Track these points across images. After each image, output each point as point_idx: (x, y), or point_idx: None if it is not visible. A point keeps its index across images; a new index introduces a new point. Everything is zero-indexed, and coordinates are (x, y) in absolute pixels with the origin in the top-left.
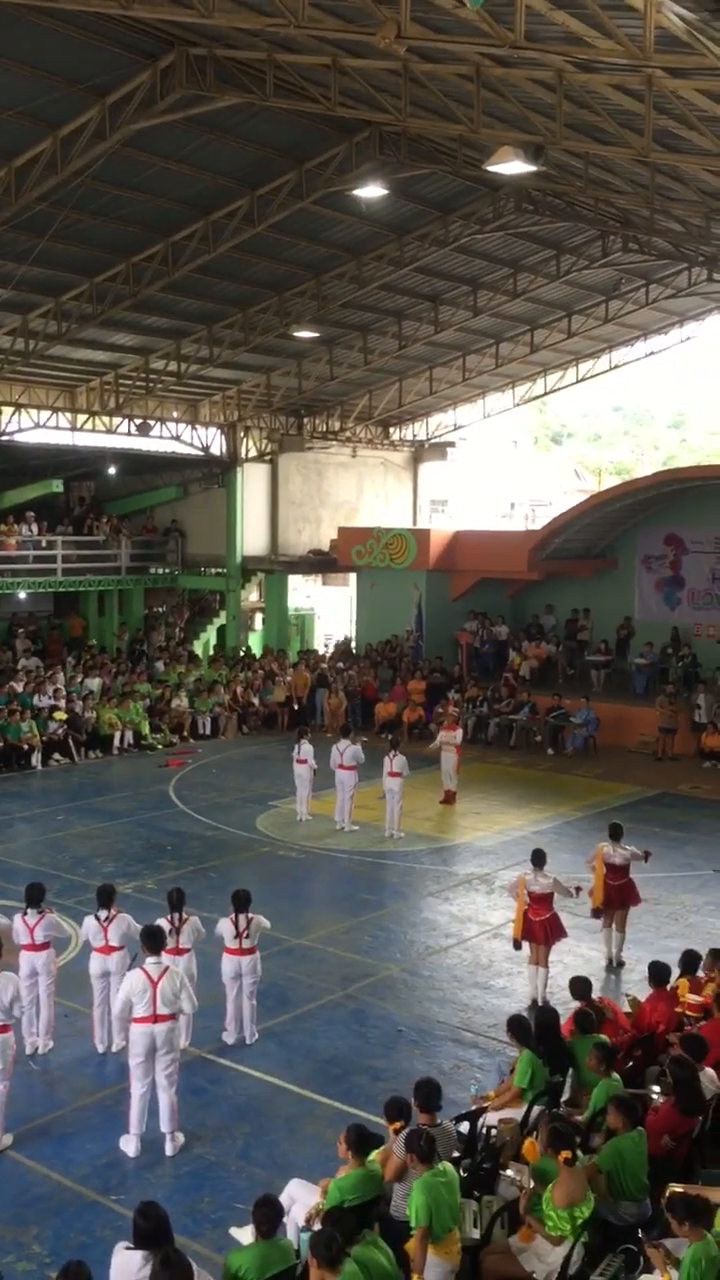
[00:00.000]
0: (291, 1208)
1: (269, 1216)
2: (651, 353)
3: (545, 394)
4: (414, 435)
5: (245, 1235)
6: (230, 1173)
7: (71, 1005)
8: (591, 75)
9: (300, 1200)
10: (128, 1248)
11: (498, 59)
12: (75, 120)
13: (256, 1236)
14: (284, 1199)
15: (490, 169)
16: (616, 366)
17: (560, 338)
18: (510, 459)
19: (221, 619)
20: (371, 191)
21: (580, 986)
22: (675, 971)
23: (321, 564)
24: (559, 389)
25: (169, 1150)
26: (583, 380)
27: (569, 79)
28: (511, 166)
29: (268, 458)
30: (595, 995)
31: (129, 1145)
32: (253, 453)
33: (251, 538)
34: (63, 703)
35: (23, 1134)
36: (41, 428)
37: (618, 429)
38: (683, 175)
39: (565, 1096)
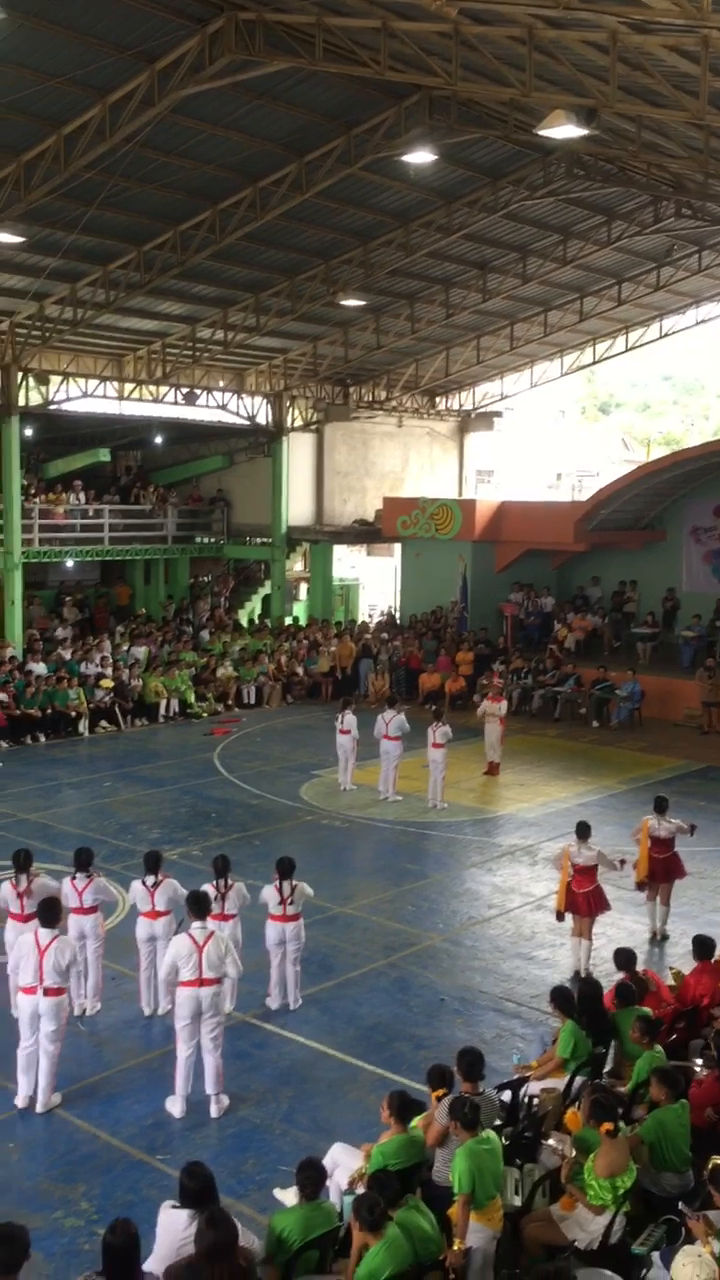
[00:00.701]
0: (334, 1171)
1: (312, 1179)
2: (702, 321)
3: (594, 363)
4: (460, 405)
5: (289, 1197)
6: (274, 1135)
7: (118, 968)
8: (646, 36)
9: (343, 1164)
10: (174, 1206)
11: (550, 20)
12: (124, 87)
13: (300, 1199)
14: (327, 1162)
15: (541, 133)
16: (667, 335)
17: (610, 305)
18: (557, 429)
19: (266, 589)
20: (420, 157)
21: (624, 958)
22: None
23: (366, 534)
24: (608, 358)
25: (214, 1112)
26: (632, 349)
27: (622, 40)
28: (563, 130)
29: (313, 427)
30: (639, 968)
31: (175, 1106)
32: (298, 422)
33: (297, 507)
34: (110, 671)
35: (71, 1094)
36: (89, 397)
37: (667, 398)
38: None
39: (608, 1068)
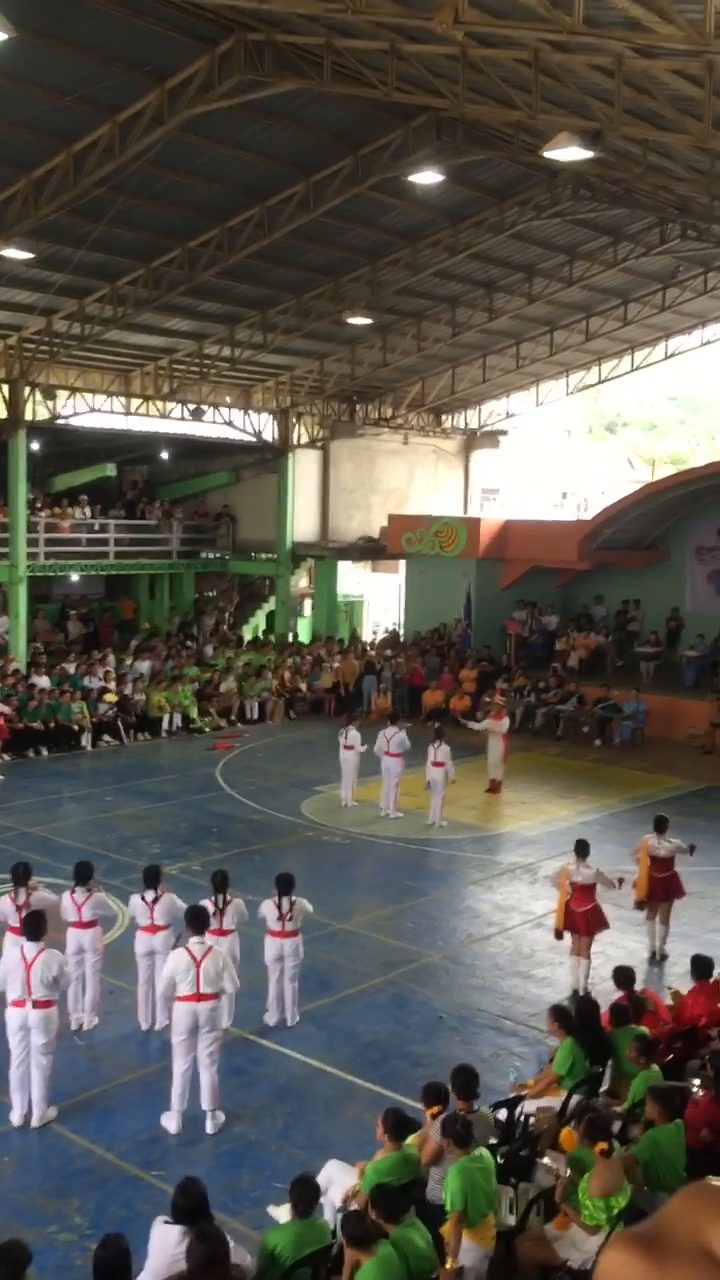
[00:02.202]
0: (329, 1188)
1: (306, 1196)
2: (708, 341)
3: (600, 382)
4: (466, 423)
5: (282, 1214)
6: (269, 1152)
7: (117, 983)
8: (651, 61)
9: (338, 1181)
10: (167, 1222)
11: (556, 44)
12: (134, 105)
13: (293, 1215)
14: (321, 1179)
15: (548, 155)
16: (673, 355)
17: (616, 325)
18: (563, 448)
19: (271, 604)
20: (427, 177)
21: (623, 977)
22: (719, 966)
23: (371, 551)
24: (614, 378)
25: (209, 1128)
26: (638, 369)
27: (628, 64)
28: (569, 152)
29: (319, 444)
30: (638, 987)
31: (170, 1122)
32: (304, 439)
33: (302, 524)
34: (113, 685)
35: (67, 1108)
36: (96, 412)
37: (673, 418)
38: None
39: (604, 1087)
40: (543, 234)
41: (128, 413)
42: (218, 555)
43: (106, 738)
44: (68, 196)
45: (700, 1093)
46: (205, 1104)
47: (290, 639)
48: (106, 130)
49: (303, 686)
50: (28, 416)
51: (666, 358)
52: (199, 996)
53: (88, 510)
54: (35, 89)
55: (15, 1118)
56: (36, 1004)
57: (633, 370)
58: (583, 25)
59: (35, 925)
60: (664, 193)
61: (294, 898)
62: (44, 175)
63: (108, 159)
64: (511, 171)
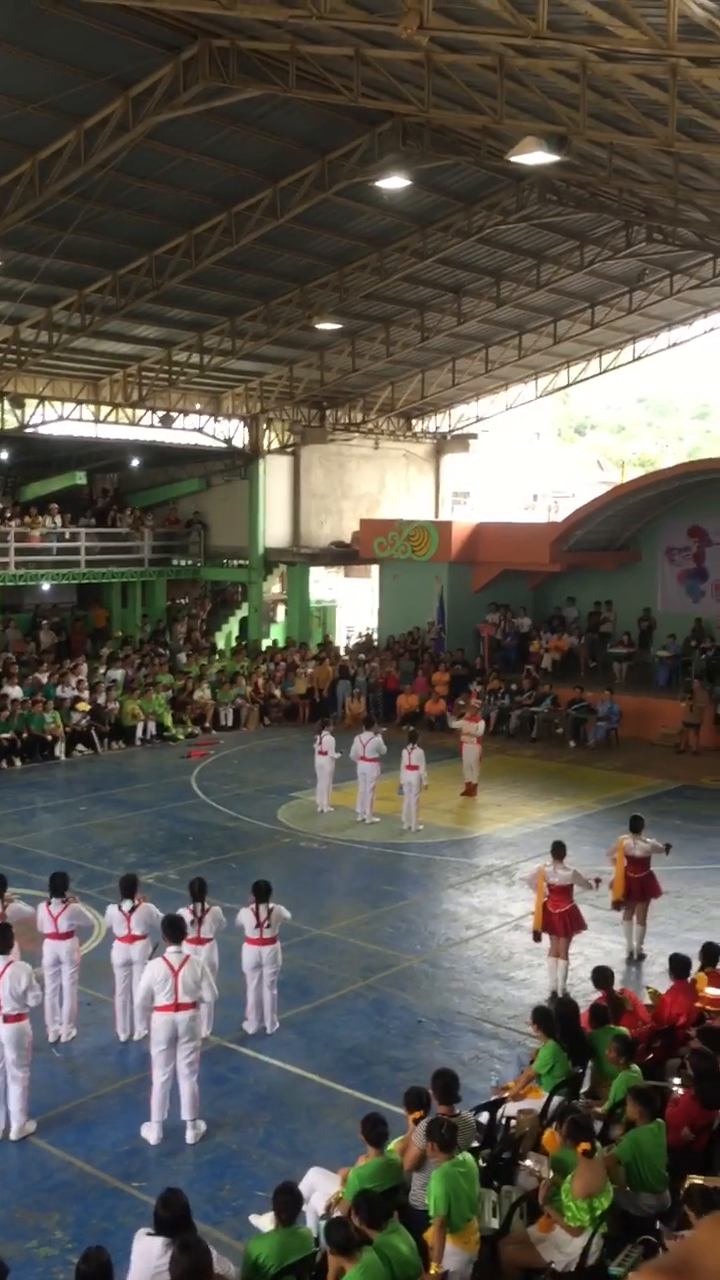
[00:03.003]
0: (311, 1196)
1: (288, 1204)
2: (675, 344)
3: (568, 385)
4: (436, 427)
5: (265, 1223)
6: (251, 1161)
7: (94, 994)
8: (615, 65)
9: (320, 1188)
10: (149, 1234)
11: (521, 49)
12: (99, 113)
13: (276, 1224)
14: (304, 1187)
15: (513, 159)
16: (640, 358)
17: (584, 329)
18: (533, 451)
19: (243, 611)
20: (394, 183)
21: (601, 977)
22: (696, 964)
23: (343, 556)
24: (582, 380)
25: (190, 1138)
26: (606, 371)
27: (592, 69)
28: (535, 157)
29: (290, 450)
30: (616, 987)
31: (150, 1133)
32: (275, 445)
33: (274, 530)
34: (86, 694)
35: (46, 1121)
36: (65, 420)
37: (641, 420)
38: (707, 165)
39: (585, 1088)
40: (510, 238)
41: (97, 420)
42: (189, 562)
43: (80, 747)
44: (34, 204)
45: (680, 1092)
46: (185, 1114)
47: (264, 645)
48: (72, 138)
49: (277, 692)
50: None
51: (634, 360)
52: (177, 1006)
53: (58, 519)
54: None
55: None
56: (7, 1018)
57: (601, 373)
58: (547, 30)
59: (2, 938)
60: (629, 196)
61: (271, 905)
62: (9, 183)
63: (73, 167)
64: (478, 176)
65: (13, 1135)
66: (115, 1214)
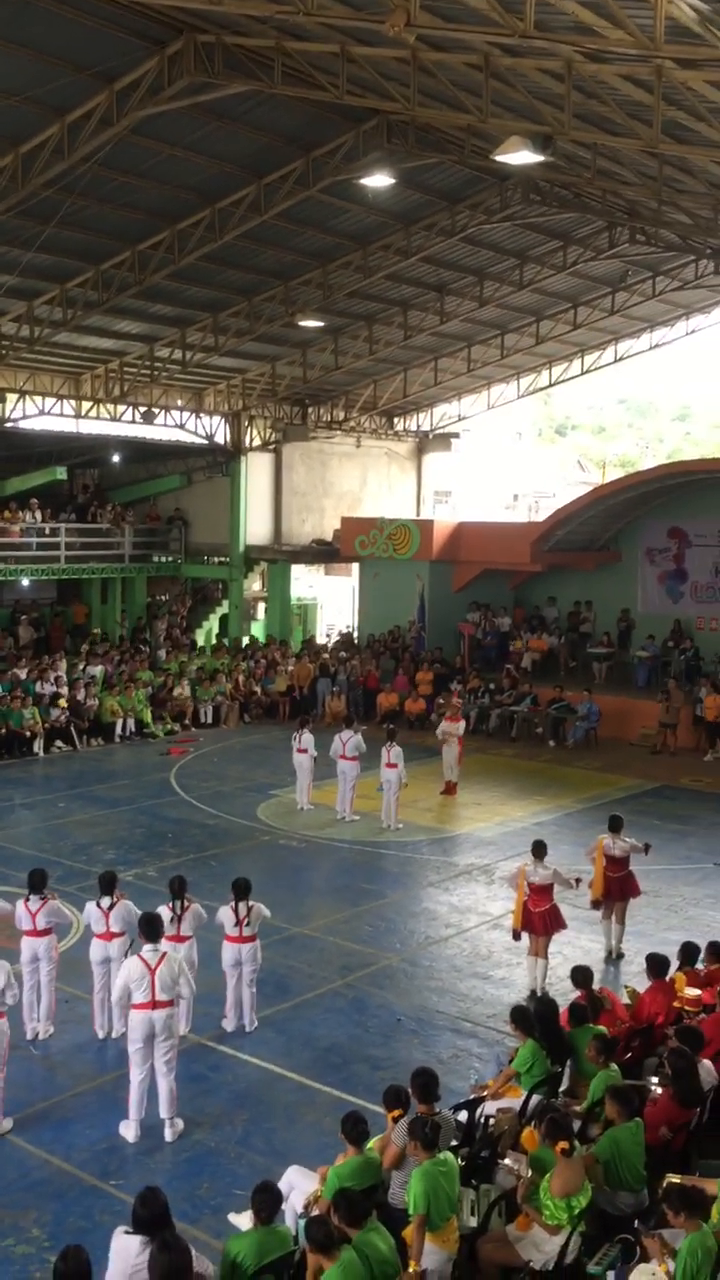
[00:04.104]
0: (290, 1194)
1: (267, 1203)
2: (656, 345)
3: (550, 385)
4: (418, 426)
5: (244, 1221)
6: (229, 1159)
7: (72, 991)
8: (601, 66)
9: (299, 1187)
10: (127, 1232)
11: (507, 48)
12: (83, 106)
13: (255, 1222)
14: (283, 1185)
15: (498, 159)
16: (622, 359)
17: (566, 329)
18: (514, 450)
19: (224, 608)
20: (379, 180)
21: (581, 976)
22: (674, 964)
23: (324, 554)
24: (564, 381)
25: (168, 1136)
26: (588, 372)
27: (578, 69)
28: (519, 156)
29: (272, 447)
30: (595, 986)
31: (128, 1131)
32: (257, 442)
33: (255, 527)
34: (65, 690)
35: (23, 1119)
36: (46, 415)
37: (622, 421)
38: (691, 167)
39: (564, 1087)
40: (493, 238)
41: (79, 415)
42: (170, 559)
43: (59, 743)
44: (15, 198)
45: (658, 1091)
46: (163, 1112)
47: (244, 643)
48: (55, 131)
49: (257, 690)
50: None
51: (616, 361)
52: (155, 1004)
53: (38, 514)
54: None
55: None
56: None
57: (583, 373)
58: (533, 29)
59: None
60: (613, 197)
61: (251, 903)
62: None
63: (56, 160)
64: (462, 175)
65: None
66: (93, 1212)
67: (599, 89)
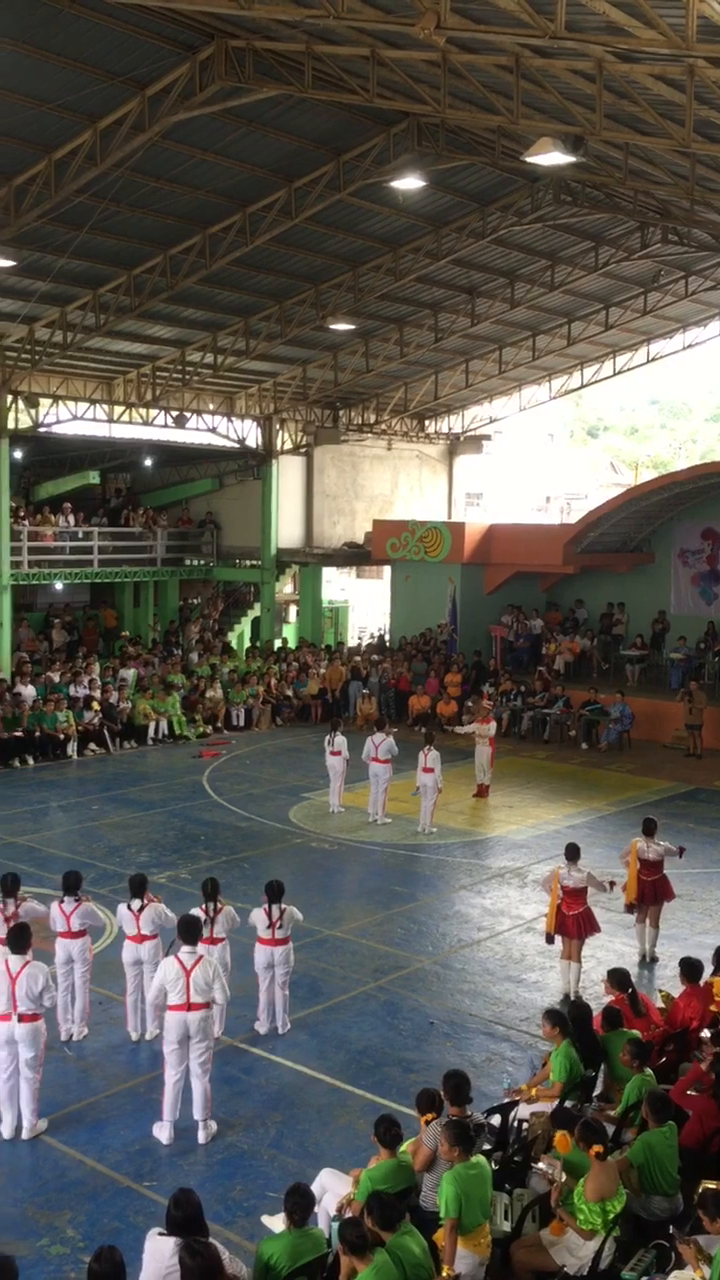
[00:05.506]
0: (323, 1197)
1: (300, 1205)
2: (690, 345)
3: (582, 387)
4: (449, 428)
5: (277, 1223)
6: (262, 1161)
7: (106, 993)
8: (632, 65)
9: (332, 1190)
10: (160, 1234)
11: (537, 49)
12: (115, 112)
13: (288, 1225)
14: (315, 1188)
15: (529, 160)
16: (654, 359)
17: (598, 330)
18: (546, 452)
19: (256, 611)
20: (409, 183)
21: (618, 978)
22: (709, 968)
23: (356, 557)
24: (596, 382)
25: (201, 1138)
26: (620, 373)
27: (609, 69)
28: (550, 158)
29: (303, 450)
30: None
31: (162, 1132)
32: (288, 445)
33: (286, 530)
34: (98, 693)
35: (58, 1119)
36: (79, 420)
37: (655, 422)
38: None
39: (598, 1091)
40: (524, 239)
41: (111, 420)
42: (202, 562)
43: (92, 746)
44: (49, 204)
45: (693, 1094)
46: (197, 1113)
47: (276, 646)
48: (88, 137)
49: (289, 693)
50: (10, 425)
51: (648, 361)
52: (189, 1006)
53: (71, 518)
54: (15, 96)
55: (5, 1130)
56: (22, 1018)
57: (615, 374)
58: (564, 30)
59: (20, 938)
60: (645, 197)
61: (283, 905)
62: (25, 182)
63: (89, 166)
64: (493, 177)
65: (24, 1134)
66: (126, 1213)
67: (630, 89)
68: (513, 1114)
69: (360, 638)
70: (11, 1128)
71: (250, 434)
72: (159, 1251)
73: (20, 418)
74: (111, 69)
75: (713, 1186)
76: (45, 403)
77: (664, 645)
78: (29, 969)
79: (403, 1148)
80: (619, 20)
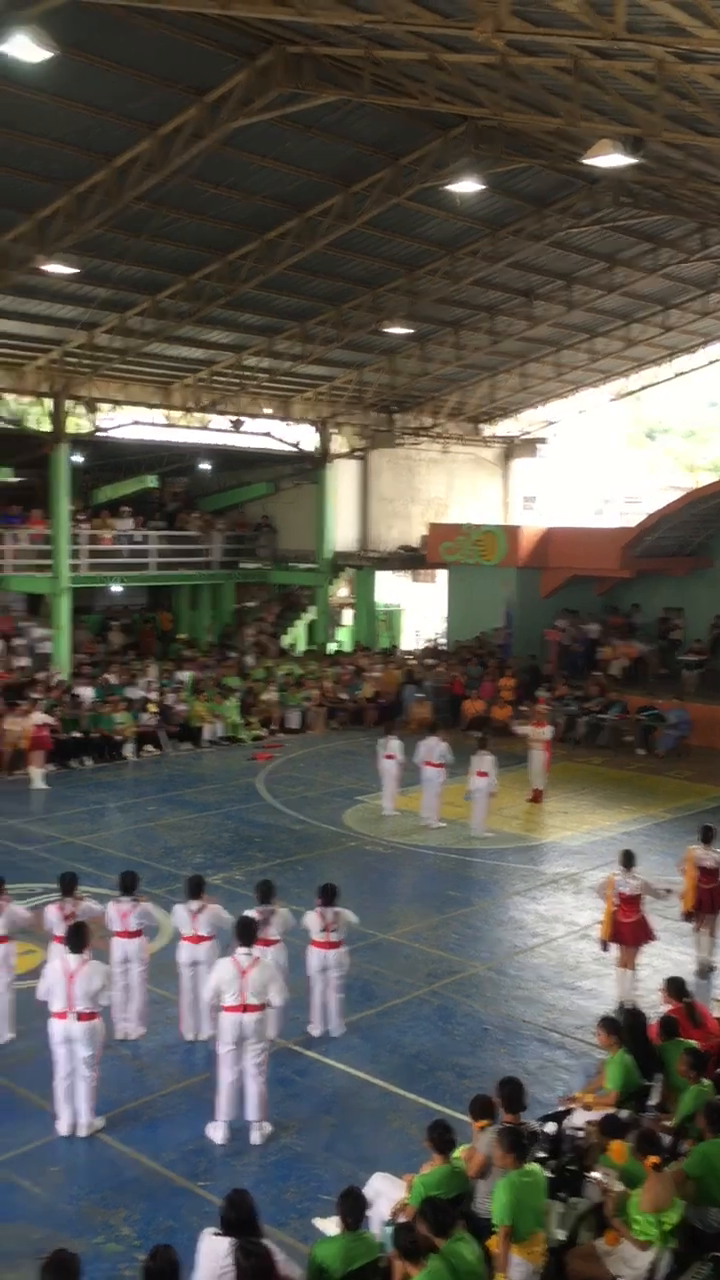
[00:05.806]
0: (376, 1201)
1: (354, 1209)
2: None
3: (640, 389)
4: (506, 431)
5: (330, 1226)
6: (316, 1164)
7: (161, 993)
8: (693, 66)
9: (385, 1194)
10: (215, 1234)
11: (597, 51)
12: (174, 120)
13: (342, 1228)
14: (369, 1192)
15: (587, 162)
16: (714, 361)
17: (656, 332)
18: (603, 455)
19: (311, 614)
20: (466, 186)
21: (676, 987)
22: None
23: (411, 560)
24: (654, 384)
25: (255, 1139)
26: (679, 375)
27: (669, 70)
28: (609, 159)
29: (359, 454)
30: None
31: (216, 1133)
32: (344, 449)
33: (342, 533)
34: (155, 695)
35: (114, 1118)
36: (138, 424)
37: (714, 424)
38: None
39: (654, 1100)
40: (582, 241)
41: (169, 425)
42: (258, 565)
43: (148, 747)
44: (110, 211)
45: None
46: (251, 1115)
47: (330, 649)
48: (148, 145)
49: (344, 696)
50: (70, 430)
51: (708, 364)
52: (245, 1008)
53: (129, 522)
54: (77, 105)
55: (62, 1127)
56: (80, 1016)
57: (673, 377)
58: (624, 31)
59: (78, 937)
60: (705, 198)
61: (337, 908)
62: (86, 190)
63: (149, 174)
64: (551, 179)
65: (81, 1131)
66: (181, 1213)
67: (691, 89)
68: (567, 1122)
69: (416, 641)
70: (69, 1125)
71: (306, 438)
72: (214, 1251)
73: (80, 422)
74: (171, 77)
75: None
76: (104, 407)
77: None
78: (87, 968)
79: (456, 1153)
80: (680, 20)
